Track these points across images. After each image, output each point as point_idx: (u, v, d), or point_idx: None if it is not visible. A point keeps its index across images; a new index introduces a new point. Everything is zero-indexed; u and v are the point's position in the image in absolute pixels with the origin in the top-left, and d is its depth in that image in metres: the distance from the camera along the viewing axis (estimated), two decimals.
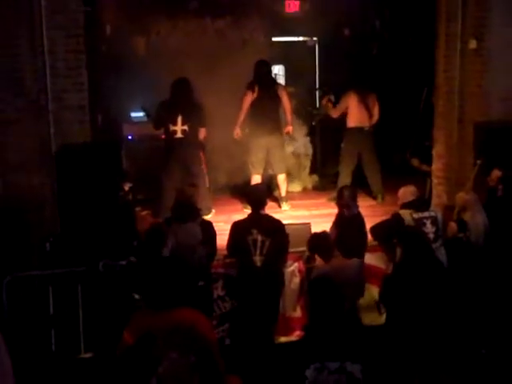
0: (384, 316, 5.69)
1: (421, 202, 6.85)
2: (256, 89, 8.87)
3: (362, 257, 6.47)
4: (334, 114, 9.59)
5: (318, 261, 6.04)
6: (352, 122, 9.46)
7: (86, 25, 7.34)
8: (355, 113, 9.43)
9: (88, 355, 6.27)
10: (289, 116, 9.14)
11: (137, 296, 5.76)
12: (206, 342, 3.86)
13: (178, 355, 3.48)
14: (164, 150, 8.76)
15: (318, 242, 6.20)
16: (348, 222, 6.61)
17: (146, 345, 3.80)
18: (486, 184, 6.92)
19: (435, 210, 6.89)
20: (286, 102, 9.08)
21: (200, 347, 3.71)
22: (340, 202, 6.75)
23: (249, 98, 8.90)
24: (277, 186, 9.37)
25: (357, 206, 6.72)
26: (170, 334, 3.77)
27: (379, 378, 3.73)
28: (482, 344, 5.39)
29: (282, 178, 9.26)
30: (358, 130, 9.43)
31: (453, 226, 6.50)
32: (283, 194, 9.30)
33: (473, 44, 8.05)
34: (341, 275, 5.42)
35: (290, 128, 9.22)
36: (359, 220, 6.67)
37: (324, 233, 6.37)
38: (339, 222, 6.72)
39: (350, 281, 5.74)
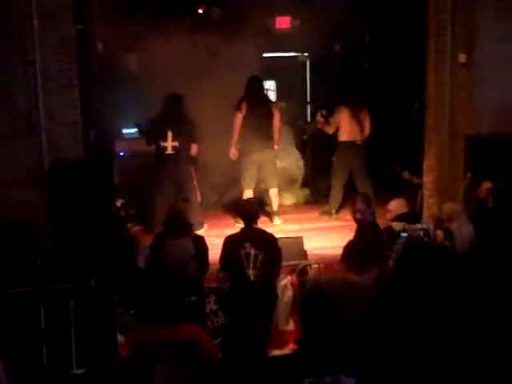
0: None
1: (412, 215, 6.89)
2: (245, 106, 8.89)
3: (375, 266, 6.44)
4: (330, 130, 9.63)
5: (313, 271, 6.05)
6: (344, 136, 9.51)
7: (78, 42, 7.38)
8: (347, 127, 9.48)
9: (80, 371, 6.24)
10: (277, 135, 9.17)
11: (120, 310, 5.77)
12: (206, 358, 3.87)
13: (169, 369, 3.49)
14: (155, 165, 8.78)
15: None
16: (360, 228, 6.63)
17: (138, 359, 3.81)
18: (476, 196, 6.96)
19: (427, 222, 6.94)
20: (277, 121, 9.12)
21: (199, 362, 3.72)
22: (352, 207, 6.75)
23: (239, 117, 8.93)
24: (269, 201, 9.39)
25: (371, 214, 6.68)
26: (164, 348, 3.78)
27: None
28: (474, 353, 5.39)
29: (274, 193, 9.29)
30: (350, 143, 9.48)
31: (439, 234, 6.56)
32: (275, 208, 9.32)
33: (462, 58, 8.12)
34: (341, 291, 5.40)
35: (276, 147, 9.25)
36: (372, 227, 6.63)
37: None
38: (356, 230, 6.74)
39: (355, 297, 5.72)
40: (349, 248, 6.40)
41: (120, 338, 5.72)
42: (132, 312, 5.79)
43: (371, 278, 6.10)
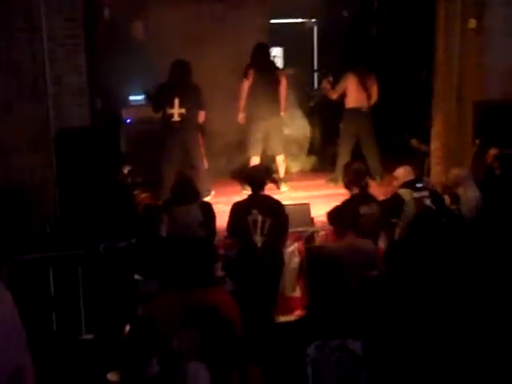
0: None
1: (420, 181, 6.89)
2: (251, 73, 8.84)
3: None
4: (333, 95, 9.58)
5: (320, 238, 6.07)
6: (350, 102, 9.46)
7: (84, 8, 7.33)
8: (354, 94, 9.42)
9: (89, 336, 6.31)
10: (283, 102, 9.13)
11: (138, 277, 5.80)
12: (226, 321, 3.93)
13: (189, 334, 3.55)
14: (162, 133, 8.76)
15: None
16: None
17: (145, 326, 3.85)
18: (484, 163, 6.95)
19: (433, 184, 6.96)
20: (283, 88, 9.07)
21: (219, 326, 3.78)
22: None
23: (245, 84, 8.88)
24: (275, 168, 9.39)
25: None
26: (184, 313, 3.84)
27: (381, 355, 3.75)
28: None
29: (280, 160, 9.28)
30: (357, 110, 9.42)
31: (445, 198, 6.57)
32: (282, 175, 9.31)
33: (472, 24, 8.04)
34: (347, 255, 5.42)
35: (282, 114, 9.22)
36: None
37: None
38: None
39: (357, 261, 5.74)
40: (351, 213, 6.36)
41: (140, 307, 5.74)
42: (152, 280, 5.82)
43: (375, 243, 6.13)
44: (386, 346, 3.84)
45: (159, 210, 6.02)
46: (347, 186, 6.61)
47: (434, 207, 6.45)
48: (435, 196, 6.72)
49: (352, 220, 6.02)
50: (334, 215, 6.52)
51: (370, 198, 6.49)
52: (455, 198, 6.51)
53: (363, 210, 6.09)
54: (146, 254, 6.15)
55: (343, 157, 9.42)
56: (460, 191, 6.51)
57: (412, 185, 6.73)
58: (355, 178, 6.55)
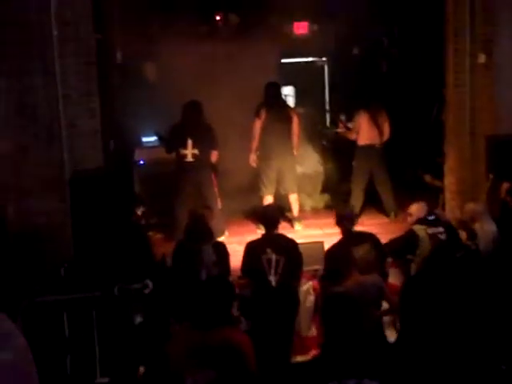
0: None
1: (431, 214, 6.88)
2: (264, 112, 8.90)
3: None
4: (352, 135, 9.63)
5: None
6: (363, 139, 9.48)
7: (98, 52, 7.43)
8: (366, 131, 9.46)
9: (104, 380, 6.26)
10: (296, 140, 9.17)
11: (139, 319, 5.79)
12: (244, 361, 3.93)
13: (208, 373, 3.54)
14: (176, 173, 8.80)
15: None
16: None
17: (160, 365, 3.84)
18: (498, 198, 6.91)
19: (448, 220, 6.92)
20: (296, 126, 9.12)
21: (238, 365, 3.77)
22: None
23: (258, 124, 8.95)
24: (289, 206, 9.38)
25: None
26: (204, 353, 3.84)
27: None
28: (502, 359, 5.33)
29: (293, 198, 9.27)
30: (369, 147, 9.45)
31: (462, 234, 6.51)
32: (295, 213, 9.31)
33: (482, 58, 8.07)
34: (358, 292, 5.39)
35: (295, 152, 9.24)
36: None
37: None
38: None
39: (368, 297, 5.71)
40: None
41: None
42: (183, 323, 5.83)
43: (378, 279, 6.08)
44: None
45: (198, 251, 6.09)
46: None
47: (448, 241, 6.40)
48: (449, 229, 6.68)
49: (347, 263, 5.99)
50: (329, 261, 6.57)
51: (363, 239, 6.46)
52: (472, 234, 6.44)
53: (356, 252, 6.02)
54: (176, 296, 6.17)
55: (357, 194, 9.42)
56: (476, 226, 6.44)
57: (425, 220, 6.70)
58: (337, 220, 6.78)
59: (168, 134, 8.74)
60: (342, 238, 6.70)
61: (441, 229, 6.62)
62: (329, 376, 3.68)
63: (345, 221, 6.70)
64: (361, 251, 5.96)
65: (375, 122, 9.43)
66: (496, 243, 6.34)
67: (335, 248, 6.67)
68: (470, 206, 6.81)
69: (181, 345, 4.14)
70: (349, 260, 5.94)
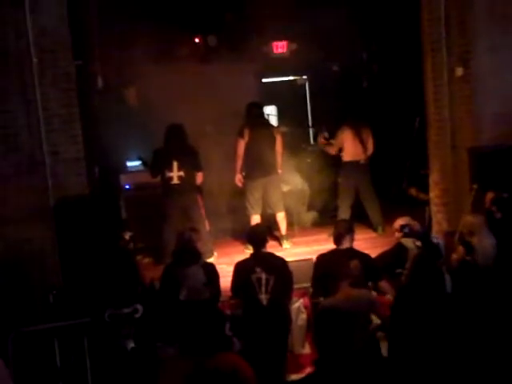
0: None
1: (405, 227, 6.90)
2: (247, 132, 8.91)
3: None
4: (332, 151, 9.67)
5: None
6: (347, 156, 9.52)
7: (78, 78, 7.43)
8: (350, 147, 9.50)
9: None
10: (279, 159, 9.18)
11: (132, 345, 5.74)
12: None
13: None
14: (162, 197, 8.78)
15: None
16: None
17: None
18: (483, 207, 6.92)
19: (436, 237, 6.89)
20: (279, 145, 9.14)
21: None
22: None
23: (241, 143, 8.95)
24: (276, 225, 9.37)
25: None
26: (202, 379, 3.80)
27: None
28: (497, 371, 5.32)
29: (281, 217, 9.27)
30: (354, 163, 9.49)
31: (460, 249, 6.28)
32: (283, 232, 9.31)
33: (459, 71, 8.12)
34: (349, 306, 5.38)
35: (279, 171, 9.26)
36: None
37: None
38: None
39: (359, 310, 5.68)
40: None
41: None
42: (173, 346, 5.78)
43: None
44: None
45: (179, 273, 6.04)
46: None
47: (425, 251, 6.32)
48: (424, 239, 6.66)
49: (338, 274, 5.97)
50: (318, 268, 6.61)
51: (354, 255, 6.47)
52: (469, 248, 6.23)
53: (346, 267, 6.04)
54: (163, 320, 6.11)
55: (344, 210, 9.44)
56: (474, 240, 6.20)
57: (405, 233, 6.75)
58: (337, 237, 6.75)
59: (152, 157, 8.74)
60: (334, 249, 6.70)
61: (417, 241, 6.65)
62: None
63: (343, 240, 6.69)
64: (351, 266, 5.96)
65: (359, 138, 9.47)
66: (495, 256, 6.15)
67: (327, 256, 6.66)
68: (468, 219, 6.45)
69: (177, 373, 4.08)
70: (339, 271, 5.93)
